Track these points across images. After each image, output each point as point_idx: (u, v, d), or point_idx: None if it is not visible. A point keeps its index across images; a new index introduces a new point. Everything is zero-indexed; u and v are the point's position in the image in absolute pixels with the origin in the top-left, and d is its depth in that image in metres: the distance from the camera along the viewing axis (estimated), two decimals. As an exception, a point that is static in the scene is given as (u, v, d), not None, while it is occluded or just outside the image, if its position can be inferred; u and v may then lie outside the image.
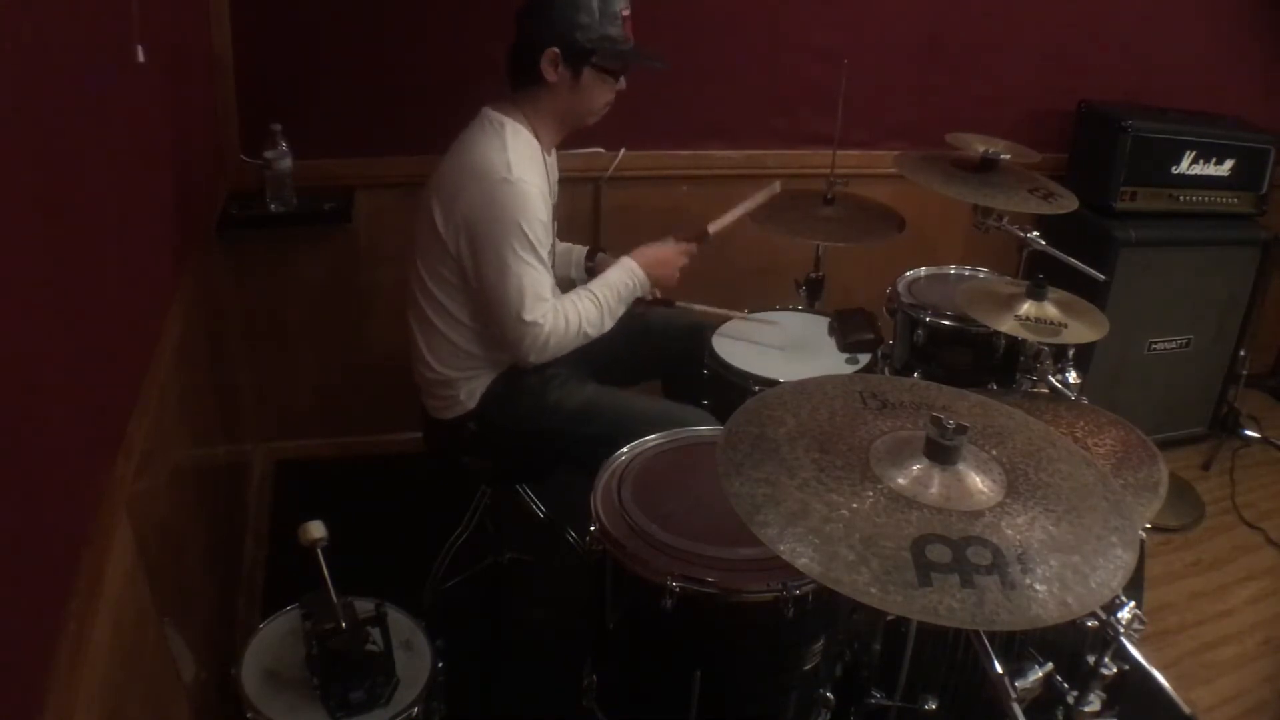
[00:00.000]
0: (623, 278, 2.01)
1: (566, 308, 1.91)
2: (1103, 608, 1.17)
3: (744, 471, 1.12)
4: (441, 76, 2.46)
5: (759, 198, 2.23)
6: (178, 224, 1.86)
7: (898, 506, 1.08)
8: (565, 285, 2.19)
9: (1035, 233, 2.20)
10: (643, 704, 1.56)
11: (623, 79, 1.93)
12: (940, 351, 2.22)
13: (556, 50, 1.83)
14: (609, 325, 1.98)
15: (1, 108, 0.98)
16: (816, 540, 1.02)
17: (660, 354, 2.25)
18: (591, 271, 2.22)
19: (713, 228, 2.19)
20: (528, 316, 1.83)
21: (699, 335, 2.20)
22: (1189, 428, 3.13)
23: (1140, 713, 1.39)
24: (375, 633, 1.46)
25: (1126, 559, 1.04)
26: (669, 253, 2.09)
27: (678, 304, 2.15)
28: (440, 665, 1.53)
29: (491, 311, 1.86)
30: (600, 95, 1.92)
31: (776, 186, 2.26)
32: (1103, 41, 2.93)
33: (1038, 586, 0.99)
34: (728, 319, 2.27)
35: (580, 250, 2.25)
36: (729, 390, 2.05)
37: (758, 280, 2.70)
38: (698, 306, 2.19)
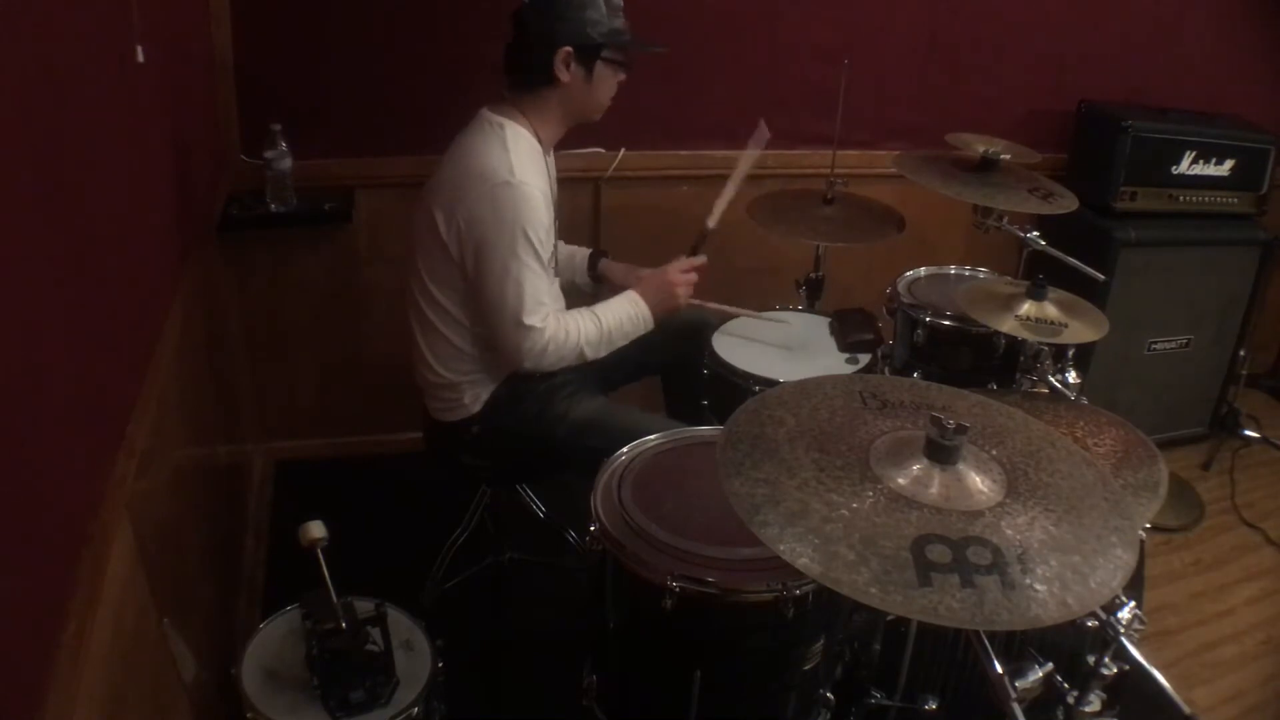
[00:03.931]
0: (627, 309, 1.98)
1: (568, 321, 1.90)
2: (1103, 608, 1.17)
3: (744, 471, 1.12)
4: (441, 77, 2.46)
5: (745, 164, 2.17)
6: (178, 224, 1.86)
7: (898, 506, 1.08)
8: (569, 289, 2.18)
9: (1035, 233, 2.20)
10: (643, 704, 1.56)
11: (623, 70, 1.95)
12: (940, 351, 2.22)
13: (570, 49, 1.83)
14: (605, 353, 1.96)
15: (2, 108, 0.98)
16: (816, 540, 1.02)
17: (660, 352, 2.24)
18: (597, 279, 2.21)
19: (711, 222, 2.15)
20: (526, 320, 1.83)
21: (699, 334, 2.19)
22: (1189, 428, 3.12)
23: (1140, 713, 1.39)
24: (375, 633, 1.46)
25: (1126, 559, 1.05)
26: (671, 279, 2.04)
27: (689, 303, 2.13)
28: (440, 665, 1.53)
29: (489, 314, 1.86)
30: (610, 89, 1.94)
31: (764, 130, 2.18)
32: (1103, 41, 2.93)
33: (1038, 586, 0.99)
34: (736, 315, 2.25)
35: (583, 254, 2.24)
36: (729, 390, 2.05)
37: (758, 280, 2.70)
38: (710, 305, 2.17)
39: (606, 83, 1.92)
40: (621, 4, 1.89)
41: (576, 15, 1.82)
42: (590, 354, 1.93)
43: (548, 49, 1.83)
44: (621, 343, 1.98)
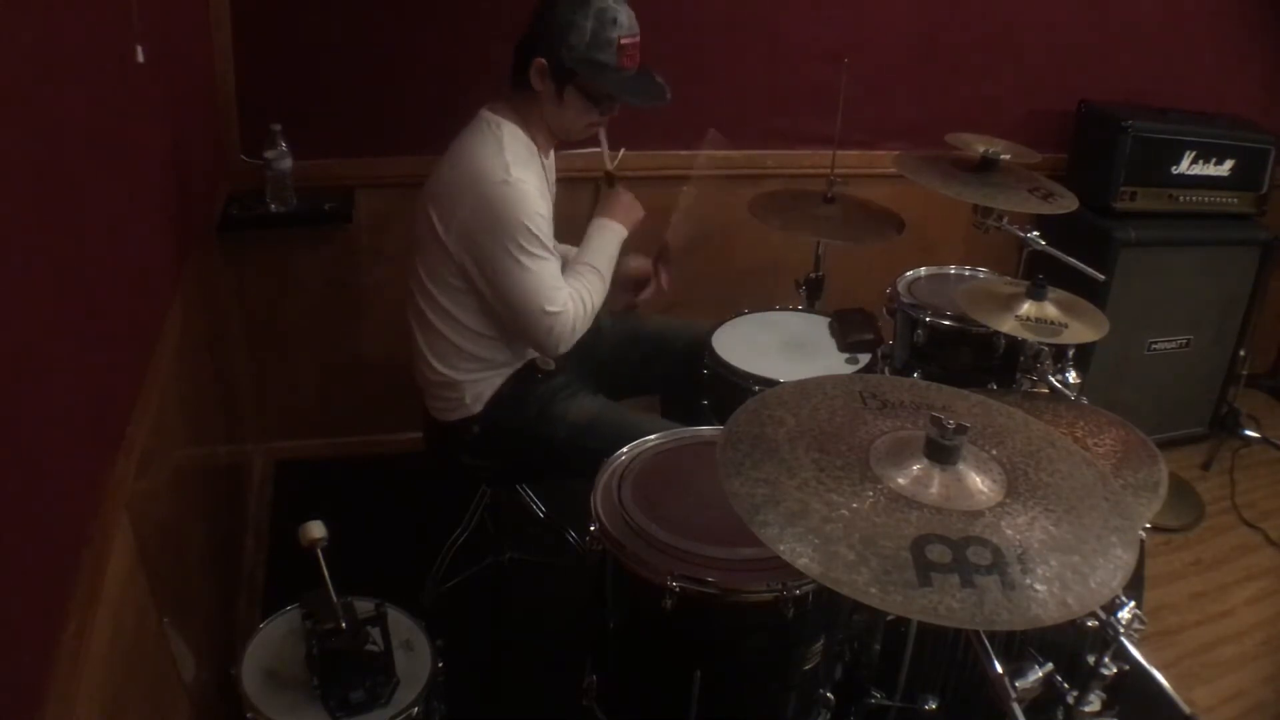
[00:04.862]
0: (606, 239, 2.01)
1: (579, 289, 1.91)
2: (1103, 608, 1.17)
3: (744, 471, 1.12)
4: (441, 77, 2.47)
5: (688, 198, 2.24)
6: (178, 224, 1.86)
7: (898, 506, 1.08)
8: None
9: (1035, 233, 2.19)
10: (643, 704, 1.56)
11: (615, 107, 1.91)
12: (940, 351, 2.22)
13: (544, 62, 1.82)
14: (608, 289, 2.00)
15: (2, 108, 0.98)
16: (816, 540, 1.02)
17: (663, 368, 2.24)
18: None
19: (670, 236, 2.22)
20: (550, 308, 1.83)
21: (702, 349, 2.19)
22: (1189, 428, 3.12)
23: (1140, 713, 1.39)
24: (375, 633, 1.46)
25: (1126, 559, 1.05)
26: (625, 199, 2.07)
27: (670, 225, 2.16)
28: (440, 665, 1.53)
29: (512, 312, 1.86)
30: (580, 116, 1.89)
31: (716, 137, 2.26)
32: (1103, 41, 2.93)
33: (1038, 586, 0.99)
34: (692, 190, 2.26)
35: (574, 253, 2.24)
36: (729, 390, 2.05)
37: (758, 280, 2.70)
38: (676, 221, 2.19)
39: (575, 111, 1.87)
40: (617, 40, 1.80)
41: (558, 32, 1.79)
42: (600, 303, 1.96)
43: (526, 54, 1.84)
44: (613, 267, 2.02)
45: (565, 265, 2.21)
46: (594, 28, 1.79)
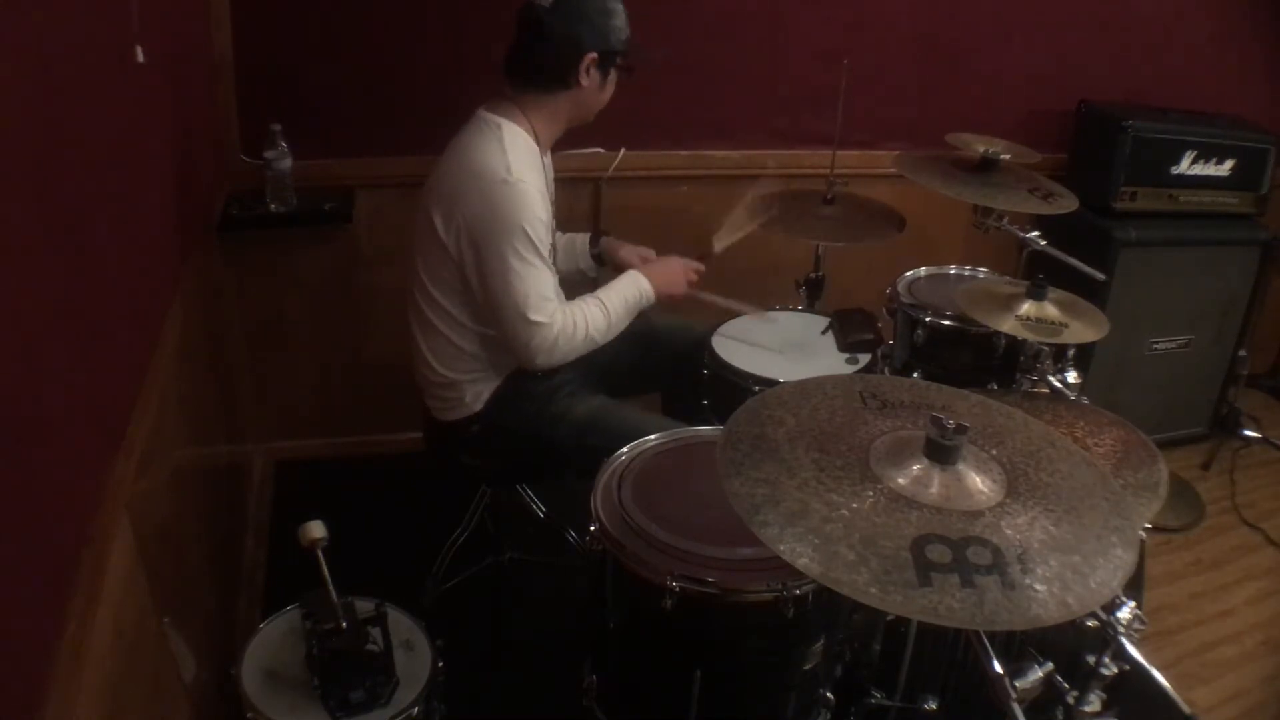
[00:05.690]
0: (630, 289, 2.01)
1: (574, 312, 1.90)
2: (1103, 608, 1.17)
3: (744, 471, 1.12)
4: (441, 77, 2.46)
5: (757, 211, 2.27)
6: (178, 224, 1.87)
7: (898, 506, 1.08)
8: (573, 276, 2.19)
9: (1035, 233, 2.20)
10: (643, 704, 1.56)
11: None
12: (940, 351, 2.22)
13: (595, 55, 1.85)
14: (613, 335, 1.98)
15: (2, 108, 0.98)
16: (816, 540, 1.02)
17: (664, 366, 2.25)
18: (598, 258, 2.22)
19: (718, 246, 2.23)
20: (534, 317, 1.83)
21: (702, 347, 2.19)
22: (1189, 428, 3.12)
23: (1140, 713, 1.39)
24: (375, 633, 1.46)
25: (1126, 559, 1.05)
26: (676, 267, 2.11)
27: (692, 293, 2.16)
28: (440, 665, 1.53)
29: (496, 314, 1.86)
30: (610, 93, 1.95)
31: (767, 185, 2.29)
32: (1103, 41, 2.93)
33: (1038, 586, 0.99)
34: (737, 313, 2.28)
35: (582, 239, 2.24)
36: (729, 390, 2.05)
37: (758, 280, 2.70)
38: (707, 296, 2.19)
39: (612, 87, 1.94)
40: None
41: (603, 22, 1.84)
42: (600, 340, 1.95)
43: (574, 53, 1.84)
44: (628, 321, 2.01)
45: (575, 257, 2.23)
46: (623, 9, 1.88)
